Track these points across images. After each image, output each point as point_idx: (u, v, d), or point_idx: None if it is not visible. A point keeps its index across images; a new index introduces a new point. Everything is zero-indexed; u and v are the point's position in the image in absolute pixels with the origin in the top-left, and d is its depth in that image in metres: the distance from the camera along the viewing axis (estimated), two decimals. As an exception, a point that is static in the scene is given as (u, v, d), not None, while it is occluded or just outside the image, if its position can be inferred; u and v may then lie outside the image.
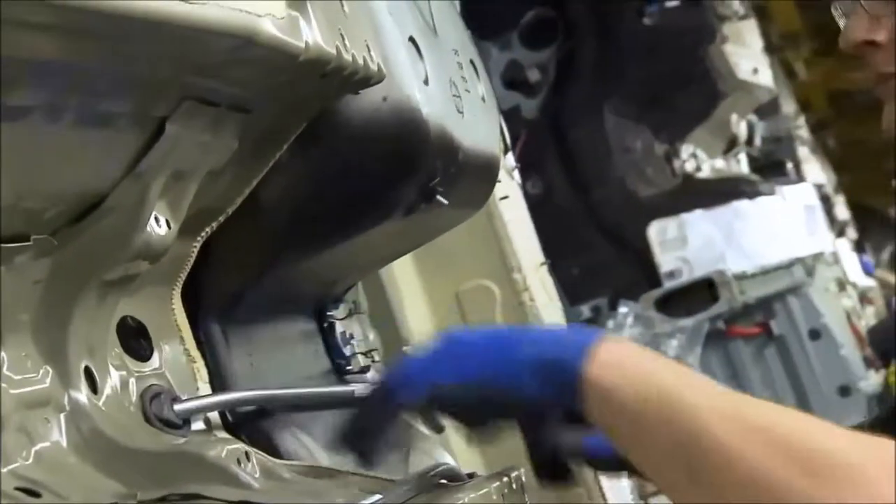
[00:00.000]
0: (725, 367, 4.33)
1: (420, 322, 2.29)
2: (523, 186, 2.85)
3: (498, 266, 2.49)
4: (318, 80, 1.14)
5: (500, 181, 1.97)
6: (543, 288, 2.61)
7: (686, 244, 4.32)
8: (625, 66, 4.43)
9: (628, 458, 1.05)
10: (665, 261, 4.32)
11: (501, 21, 4.44)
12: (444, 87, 1.47)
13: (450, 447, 1.68)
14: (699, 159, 4.75)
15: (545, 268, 2.69)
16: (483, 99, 1.66)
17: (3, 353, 1.10)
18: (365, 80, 1.21)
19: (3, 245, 1.06)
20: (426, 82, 1.40)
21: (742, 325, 4.36)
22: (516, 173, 2.71)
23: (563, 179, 4.48)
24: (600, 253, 4.47)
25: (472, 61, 1.67)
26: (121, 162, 1.10)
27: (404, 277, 2.27)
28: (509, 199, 2.55)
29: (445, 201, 1.43)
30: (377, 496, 1.17)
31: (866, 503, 0.91)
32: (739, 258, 4.26)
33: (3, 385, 1.09)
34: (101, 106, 1.01)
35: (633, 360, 1.04)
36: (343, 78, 1.17)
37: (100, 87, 0.99)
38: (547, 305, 2.51)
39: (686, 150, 4.67)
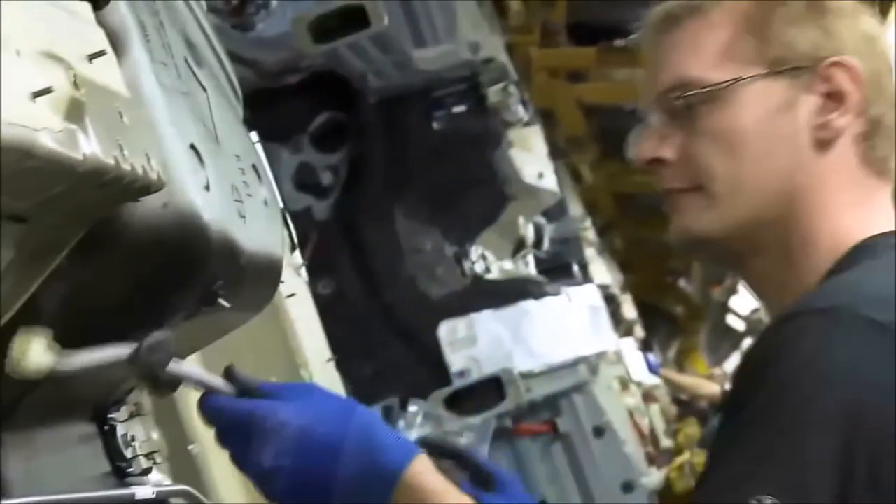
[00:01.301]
0: (512, 464, 4.37)
1: (205, 422, 2.28)
2: (315, 287, 2.89)
3: (285, 362, 2.51)
4: (96, 189, 1.16)
5: (285, 281, 2.01)
6: (331, 383, 2.64)
7: (475, 343, 4.39)
8: (414, 169, 4.51)
9: None
10: (455, 360, 4.38)
11: (292, 124, 4.48)
12: (226, 192, 1.50)
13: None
14: (488, 261, 4.85)
15: (332, 364, 2.72)
16: (265, 203, 1.70)
17: None
18: (144, 188, 1.24)
19: None
20: (207, 188, 1.42)
21: (529, 423, 4.43)
22: (303, 271, 2.75)
23: (355, 280, 4.51)
24: (393, 353, 4.49)
25: (254, 166, 1.71)
26: None
27: (189, 376, 2.26)
28: (296, 297, 2.58)
29: (227, 305, 1.45)
30: None
31: None
32: (526, 357, 4.35)
33: None
34: None
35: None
36: (122, 187, 1.19)
37: None
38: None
39: (475, 251, 4.77)
